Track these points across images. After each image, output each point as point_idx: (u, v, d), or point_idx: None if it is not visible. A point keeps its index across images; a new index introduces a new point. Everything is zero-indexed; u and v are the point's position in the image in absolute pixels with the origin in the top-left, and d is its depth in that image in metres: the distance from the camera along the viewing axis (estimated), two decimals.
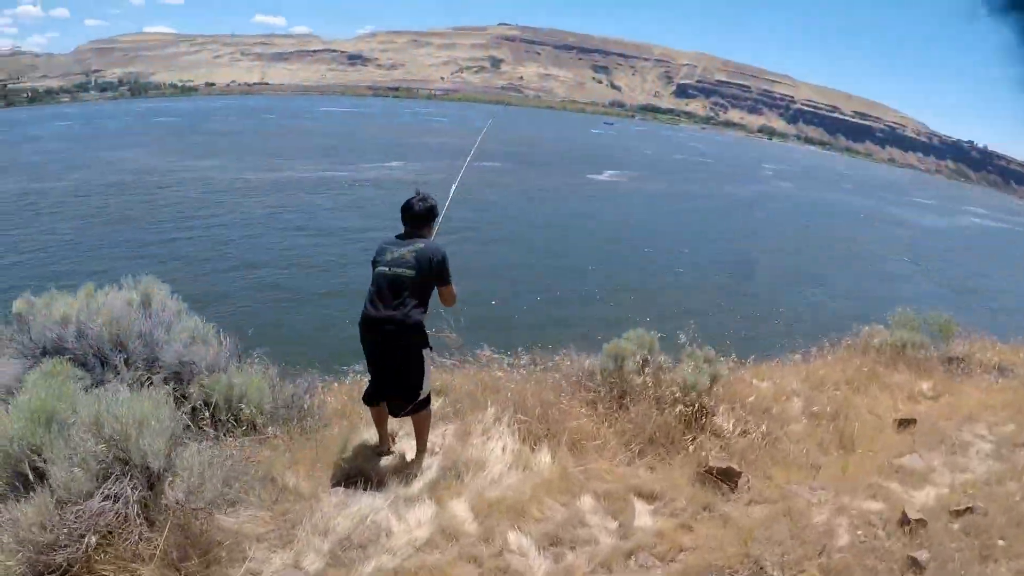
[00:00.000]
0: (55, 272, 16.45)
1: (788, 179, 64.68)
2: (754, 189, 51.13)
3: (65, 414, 2.38)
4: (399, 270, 3.18)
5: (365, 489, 3.15)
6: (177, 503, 2.35)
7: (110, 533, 2.23)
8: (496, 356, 5.07)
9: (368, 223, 23.36)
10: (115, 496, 2.24)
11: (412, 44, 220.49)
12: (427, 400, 3.44)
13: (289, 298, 16.58)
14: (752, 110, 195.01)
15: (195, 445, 2.55)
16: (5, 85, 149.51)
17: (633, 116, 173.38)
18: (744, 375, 5.15)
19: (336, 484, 3.18)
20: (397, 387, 3.29)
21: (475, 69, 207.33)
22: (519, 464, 3.52)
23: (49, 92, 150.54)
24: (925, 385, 5.50)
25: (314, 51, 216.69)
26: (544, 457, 3.62)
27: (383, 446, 3.58)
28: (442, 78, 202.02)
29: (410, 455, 3.54)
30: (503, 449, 3.61)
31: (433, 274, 3.22)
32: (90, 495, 2.16)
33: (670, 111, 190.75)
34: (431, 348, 3.42)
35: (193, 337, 3.52)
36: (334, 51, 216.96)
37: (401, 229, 3.38)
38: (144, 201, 27.56)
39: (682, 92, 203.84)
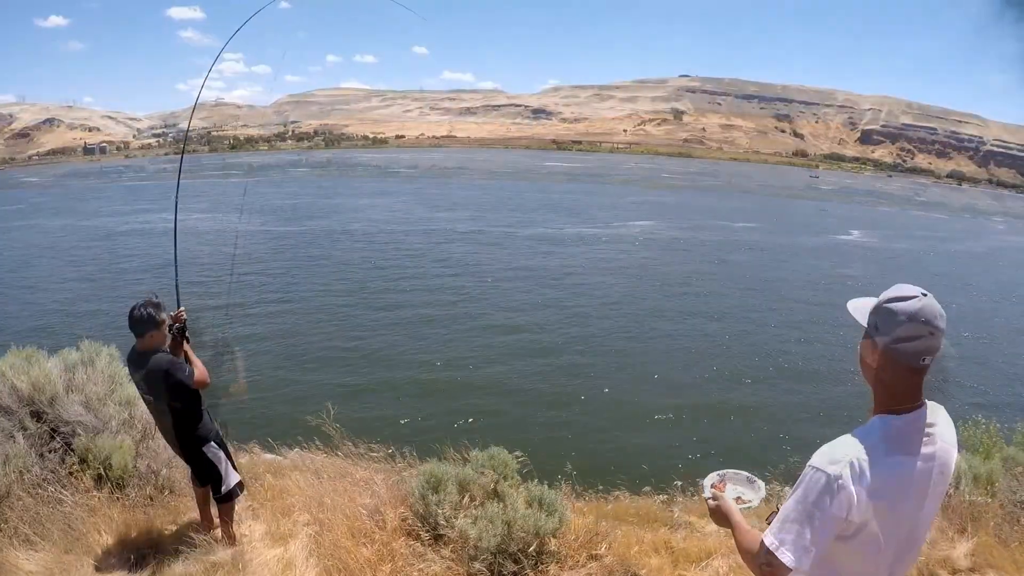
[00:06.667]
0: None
1: None
2: None
3: None
4: (145, 396, 3.18)
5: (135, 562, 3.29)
6: None
7: None
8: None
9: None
10: None
11: (595, 98, 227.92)
12: (230, 494, 3.41)
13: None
14: (940, 154, 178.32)
15: None
16: (209, 132, 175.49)
17: (817, 166, 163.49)
18: None
19: (122, 552, 3.34)
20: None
21: (657, 121, 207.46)
22: None
23: (249, 140, 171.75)
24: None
25: (499, 105, 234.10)
26: None
27: (203, 526, 3.59)
28: (624, 131, 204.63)
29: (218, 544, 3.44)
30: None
31: (170, 393, 3.08)
32: None
33: (855, 159, 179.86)
34: (221, 445, 3.38)
35: (100, 399, 4.12)
36: (519, 105, 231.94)
37: None
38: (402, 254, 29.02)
39: (867, 138, 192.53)
